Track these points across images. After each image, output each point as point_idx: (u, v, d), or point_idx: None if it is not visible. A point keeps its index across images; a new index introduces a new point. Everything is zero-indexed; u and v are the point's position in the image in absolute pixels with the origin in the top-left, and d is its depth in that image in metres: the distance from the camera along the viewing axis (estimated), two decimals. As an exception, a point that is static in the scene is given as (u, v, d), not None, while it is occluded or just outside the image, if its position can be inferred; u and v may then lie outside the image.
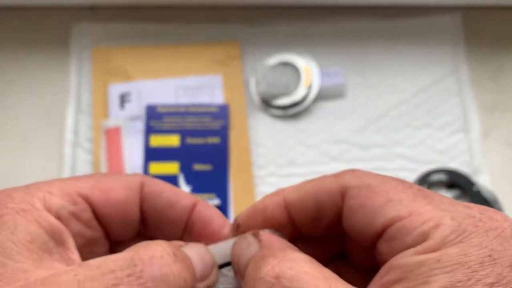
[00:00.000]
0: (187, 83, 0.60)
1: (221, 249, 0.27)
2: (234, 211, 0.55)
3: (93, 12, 0.63)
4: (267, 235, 0.25)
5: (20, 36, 0.62)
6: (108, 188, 0.27)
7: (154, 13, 0.63)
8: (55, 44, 0.62)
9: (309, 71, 0.59)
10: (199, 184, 0.56)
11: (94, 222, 0.27)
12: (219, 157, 0.57)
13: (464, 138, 0.58)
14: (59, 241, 0.24)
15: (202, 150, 0.57)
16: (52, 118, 0.59)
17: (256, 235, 0.25)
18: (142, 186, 0.28)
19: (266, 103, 0.59)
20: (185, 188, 0.55)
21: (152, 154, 0.57)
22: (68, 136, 0.58)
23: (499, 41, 0.62)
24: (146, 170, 0.56)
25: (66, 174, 0.56)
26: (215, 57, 0.61)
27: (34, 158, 0.58)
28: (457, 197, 0.56)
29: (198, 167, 0.56)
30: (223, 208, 0.55)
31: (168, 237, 0.27)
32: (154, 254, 0.22)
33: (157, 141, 0.57)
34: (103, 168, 0.56)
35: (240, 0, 0.62)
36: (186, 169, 0.56)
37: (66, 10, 0.63)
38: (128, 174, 0.30)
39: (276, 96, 0.59)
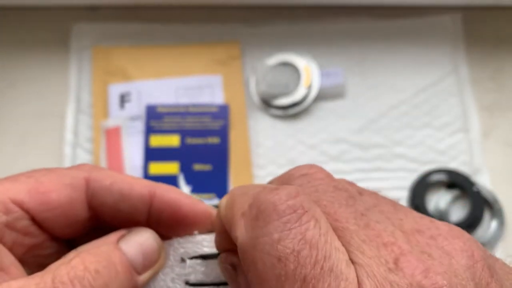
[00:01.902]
0: (187, 83, 0.60)
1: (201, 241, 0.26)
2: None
3: (93, 12, 0.63)
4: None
5: (20, 36, 0.62)
6: (48, 190, 0.25)
7: (154, 13, 0.63)
8: (55, 44, 0.62)
9: (309, 71, 0.59)
10: (199, 184, 0.56)
11: (33, 229, 0.25)
12: (219, 157, 0.57)
13: (464, 138, 0.58)
14: None
15: (202, 150, 0.57)
16: (52, 118, 0.59)
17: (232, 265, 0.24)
18: (87, 182, 0.26)
19: (266, 103, 0.59)
20: (185, 188, 0.55)
21: (152, 154, 0.57)
22: (68, 136, 0.58)
23: (499, 41, 0.62)
24: (146, 170, 0.56)
25: (66, 174, 0.56)
26: (215, 57, 0.61)
27: (34, 158, 0.58)
28: (457, 197, 0.56)
29: (198, 167, 0.56)
30: (223, 208, 0.55)
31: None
32: (75, 274, 0.21)
33: (157, 141, 0.57)
34: (103, 168, 0.56)
35: (240, 0, 0.62)
36: (186, 169, 0.56)
37: (66, 10, 0.63)
38: (72, 169, 0.27)
39: (276, 96, 0.59)
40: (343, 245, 0.20)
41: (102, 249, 0.23)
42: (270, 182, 0.25)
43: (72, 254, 0.23)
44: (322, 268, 0.18)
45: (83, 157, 0.57)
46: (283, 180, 0.24)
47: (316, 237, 0.19)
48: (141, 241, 0.24)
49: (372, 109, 0.59)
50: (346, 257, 0.19)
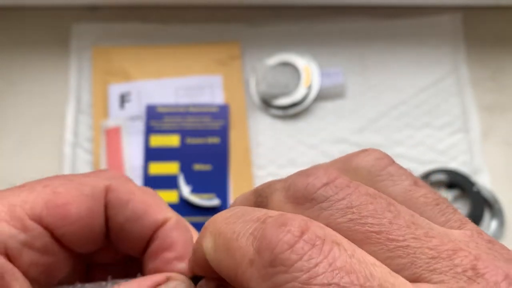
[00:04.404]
0: (187, 83, 0.60)
1: None
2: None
3: (93, 12, 0.63)
4: None
5: (20, 36, 0.62)
6: (67, 201, 0.23)
7: (154, 13, 0.63)
8: (55, 44, 0.62)
9: (309, 71, 0.59)
10: (199, 184, 0.56)
11: (52, 246, 0.23)
12: (219, 157, 0.57)
13: (464, 138, 0.58)
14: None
15: (202, 150, 0.57)
16: (52, 118, 0.59)
17: None
18: (106, 192, 0.24)
19: (266, 103, 0.59)
20: (185, 188, 0.55)
21: (152, 154, 0.57)
22: (68, 136, 0.58)
23: (499, 41, 0.62)
24: (146, 170, 0.56)
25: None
26: (215, 57, 0.61)
27: (34, 158, 0.58)
28: (457, 197, 0.56)
29: (198, 167, 0.56)
30: (223, 208, 0.55)
31: (130, 250, 0.25)
32: None
33: (157, 141, 0.57)
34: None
35: (240, 0, 0.62)
36: (186, 169, 0.56)
37: (66, 10, 0.63)
38: (91, 176, 0.25)
39: (276, 96, 0.59)
40: (406, 269, 0.17)
41: None
42: (271, 188, 0.22)
43: None
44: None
45: (83, 157, 0.57)
46: (296, 189, 0.20)
47: (348, 261, 0.17)
48: None
49: (372, 109, 0.59)
50: (387, 269, 0.17)
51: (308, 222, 0.18)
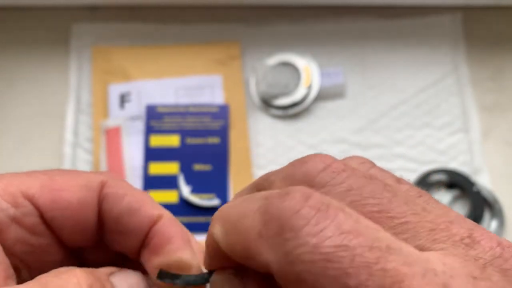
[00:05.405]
0: (187, 83, 0.60)
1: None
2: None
3: (93, 12, 0.63)
4: (256, 285, 0.21)
5: (20, 36, 0.62)
6: (61, 187, 0.24)
7: (154, 13, 0.63)
8: (55, 44, 0.62)
9: (309, 71, 0.59)
10: (199, 184, 0.56)
11: (41, 228, 0.23)
12: (219, 157, 0.57)
13: (464, 138, 0.58)
14: None
15: (202, 150, 0.57)
16: (52, 118, 0.59)
17: (241, 281, 0.21)
18: (102, 187, 0.25)
19: (266, 103, 0.59)
20: (185, 188, 0.55)
21: (152, 154, 0.57)
22: (68, 136, 0.58)
23: (499, 41, 0.62)
24: (146, 170, 0.56)
25: (66, 174, 0.56)
26: (215, 57, 0.61)
27: (34, 158, 0.58)
28: (457, 197, 0.56)
29: (198, 167, 0.56)
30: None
31: (124, 247, 0.25)
32: None
33: (157, 141, 0.57)
34: (103, 168, 0.56)
35: (240, 0, 0.62)
36: (186, 169, 0.56)
37: (66, 10, 0.63)
38: (92, 172, 0.26)
39: (276, 96, 0.59)
40: (409, 242, 0.18)
41: (95, 274, 0.22)
42: (269, 180, 0.22)
43: (64, 268, 0.22)
44: (380, 249, 0.16)
45: (83, 157, 0.57)
46: (294, 178, 0.21)
47: (354, 225, 0.17)
48: (131, 283, 0.23)
49: (372, 109, 0.59)
50: (393, 236, 0.18)
51: (310, 190, 0.18)
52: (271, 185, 0.22)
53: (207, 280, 0.22)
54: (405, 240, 0.18)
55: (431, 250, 0.18)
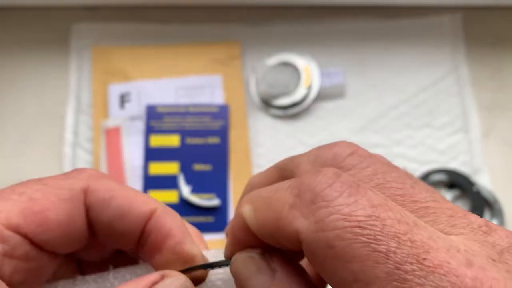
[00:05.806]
0: (187, 83, 0.60)
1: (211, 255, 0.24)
2: (234, 211, 0.55)
3: (93, 12, 0.63)
4: (280, 264, 0.21)
5: (20, 36, 0.62)
6: (43, 207, 0.22)
7: (154, 13, 0.63)
8: (55, 44, 0.62)
9: (309, 71, 0.59)
10: (199, 184, 0.56)
11: (33, 252, 0.23)
12: (219, 157, 0.57)
13: (464, 138, 0.58)
14: None
15: (202, 150, 0.57)
16: (52, 118, 0.59)
17: (266, 259, 0.21)
18: (85, 194, 0.24)
19: (266, 103, 0.59)
20: (185, 188, 0.55)
21: (152, 154, 0.57)
22: (68, 136, 0.58)
23: (499, 41, 0.62)
24: (146, 170, 0.56)
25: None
26: (215, 57, 0.61)
27: (34, 158, 0.58)
28: (457, 197, 0.56)
29: (198, 167, 0.56)
30: (223, 208, 0.55)
31: (119, 246, 0.25)
32: None
33: (157, 141, 0.57)
34: (103, 168, 0.56)
35: (240, 0, 0.62)
36: (186, 169, 0.56)
37: (66, 10, 0.63)
38: (69, 178, 0.24)
39: (276, 96, 0.59)
40: (430, 225, 0.19)
41: None
42: (294, 161, 0.23)
43: None
44: (407, 223, 0.17)
45: (83, 157, 0.57)
46: (323, 160, 0.22)
47: (384, 202, 0.18)
48: None
49: (372, 109, 0.59)
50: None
51: (341, 171, 0.19)
52: (297, 166, 0.23)
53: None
54: (426, 223, 0.19)
55: (451, 234, 0.19)
